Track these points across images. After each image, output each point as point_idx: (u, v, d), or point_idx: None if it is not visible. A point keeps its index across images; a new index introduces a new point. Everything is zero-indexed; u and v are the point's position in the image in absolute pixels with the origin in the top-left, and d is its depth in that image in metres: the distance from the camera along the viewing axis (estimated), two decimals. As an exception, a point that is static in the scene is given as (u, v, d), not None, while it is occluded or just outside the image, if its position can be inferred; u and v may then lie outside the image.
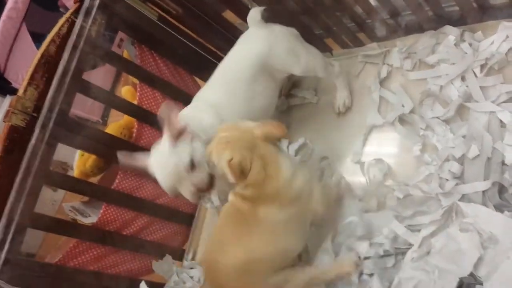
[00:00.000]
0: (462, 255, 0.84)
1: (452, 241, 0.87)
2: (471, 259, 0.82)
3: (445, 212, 0.91)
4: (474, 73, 1.06)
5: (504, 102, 1.01)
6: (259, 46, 1.13)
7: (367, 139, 1.20)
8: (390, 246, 0.99)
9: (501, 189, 0.94)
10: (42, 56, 1.11)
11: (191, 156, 1.02)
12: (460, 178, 0.99)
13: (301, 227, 1.01)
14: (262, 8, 1.15)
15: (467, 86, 1.06)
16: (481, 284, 0.82)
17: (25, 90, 1.09)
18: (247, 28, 1.43)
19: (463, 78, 1.08)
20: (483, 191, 0.94)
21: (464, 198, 0.96)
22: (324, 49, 1.39)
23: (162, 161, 1.02)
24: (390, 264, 0.99)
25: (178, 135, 1.02)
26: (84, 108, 2.39)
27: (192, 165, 1.02)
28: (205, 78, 1.57)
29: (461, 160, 1.00)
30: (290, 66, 1.17)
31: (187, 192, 1.03)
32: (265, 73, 1.15)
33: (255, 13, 1.15)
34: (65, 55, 1.12)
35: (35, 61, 1.10)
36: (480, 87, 1.04)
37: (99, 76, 2.33)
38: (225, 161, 0.90)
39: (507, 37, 1.05)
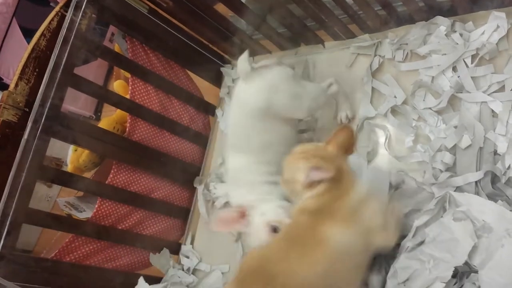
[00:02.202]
0: (456, 244, 0.85)
1: (446, 230, 0.87)
2: (465, 248, 0.83)
3: (438, 202, 0.92)
4: (466, 63, 1.07)
5: (495, 92, 1.01)
6: (259, 101, 1.06)
7: (360, 130, 1.20)
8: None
9: (494, 179, 0.95)
10: (33, 50, 1.10)
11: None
12: (452, 168, 1.00)
13: (362, 260, 0.88)
14: (247, 56, 1.05)
15: (458, 77, 1.06)
16: (476, 272, 0.83)
17: (16, 85, 1.09)
18: (238, 21, 1.44)
19: (454, 69, 1.08)
20: (476, 182, 0.95)
21: (457, 188, 0.96)
22: (316, 41, 1.39)
23: None
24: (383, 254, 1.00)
25: None
26: (77, 103, 2.39)
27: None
28: (197, 72, 1.59)
29: (453, 150, 1.01)
30: (292, 113, 1.11)
31: None
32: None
33: (243, 66, 1.05)
34: (56, 49, 1.11)
35: (26, 55, 1.09)
36: (472, 77, 1.04)
37: (92, 71, 2.32)
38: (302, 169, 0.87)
39: (498, 27, 1.05)
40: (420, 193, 1.01)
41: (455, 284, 0.86)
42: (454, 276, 0.84)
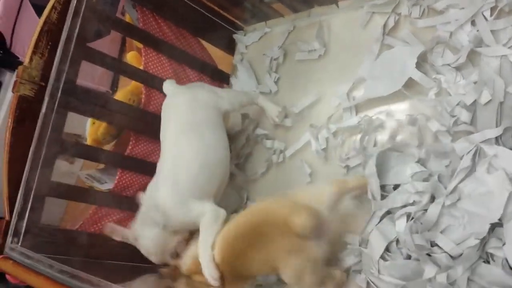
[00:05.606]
0: (491, 197, 0.84)
1: (481, 184, 0.87)
2: (500, 201, 0.82)
3: (471, 156, 0.91)
4: (484, 16, 1.03)
5: (515, 44, 0.98)
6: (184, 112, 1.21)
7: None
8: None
9: (516, 133, 0.93)
10: (45, 23, 1.10)
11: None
12: (472, 124, 0.98)
13: None
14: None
15: (477, 31, 1.03)
16: (501, 226, 0.82)
17: (31, 59, 1.09)
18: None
19: (473, 23, 1.04)
20: (497, 137, 0.93)
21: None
22: (330, 1, 1.35)
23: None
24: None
25: None
26: (93, 79, 2.40)
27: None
28: (210, 40, 1.57)
29: (473, 106, 0.99)
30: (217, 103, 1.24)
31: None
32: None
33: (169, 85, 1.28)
34: (67, 22, 1.11)
35: (38, 29, 1.09)
36: (491, 30, 1.01)
37: (105, 45, 2.31)
38: None
39: (518, -24, 1.01)
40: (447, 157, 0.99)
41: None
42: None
